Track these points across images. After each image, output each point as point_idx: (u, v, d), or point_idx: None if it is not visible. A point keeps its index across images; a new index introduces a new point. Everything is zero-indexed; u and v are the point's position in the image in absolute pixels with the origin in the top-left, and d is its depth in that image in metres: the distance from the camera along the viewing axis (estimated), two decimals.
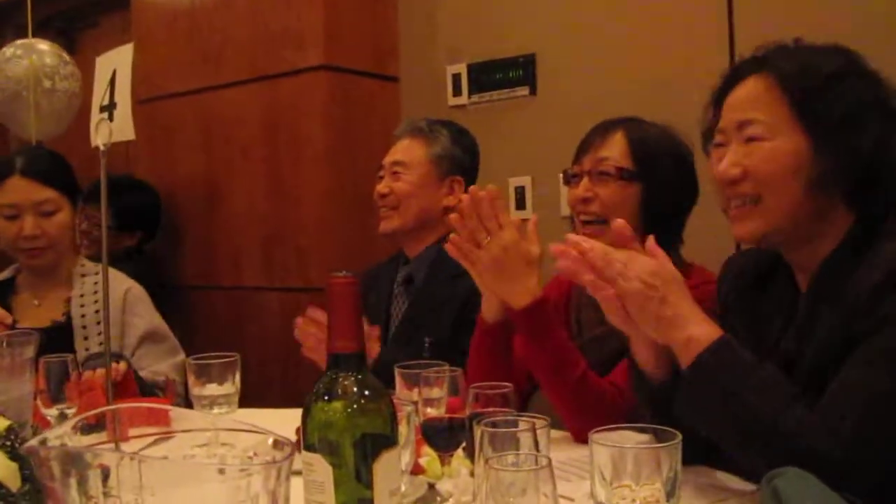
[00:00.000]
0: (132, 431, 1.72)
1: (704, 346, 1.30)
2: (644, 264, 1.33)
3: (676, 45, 2.82)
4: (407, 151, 2.35)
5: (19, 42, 3.33)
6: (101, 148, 1.20)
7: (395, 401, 1.44)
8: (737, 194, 1.41)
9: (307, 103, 3.28)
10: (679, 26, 2.83)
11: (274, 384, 3.17)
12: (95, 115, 1.04)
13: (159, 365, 2.26)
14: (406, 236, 2.33)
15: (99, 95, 1.04)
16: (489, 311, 1.82)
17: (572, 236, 1.41)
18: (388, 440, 0.93)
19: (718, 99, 1.49)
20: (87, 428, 1.66)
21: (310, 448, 0.92)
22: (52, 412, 1.65)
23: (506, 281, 1.71)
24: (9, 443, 1.02)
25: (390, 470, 0.93)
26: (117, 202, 3.30)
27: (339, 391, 0.92)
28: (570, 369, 1.68)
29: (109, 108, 1.04)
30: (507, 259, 1.70)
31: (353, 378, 0.92)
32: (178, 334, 2.55)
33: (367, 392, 0.92)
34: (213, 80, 3.54)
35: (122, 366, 1.94)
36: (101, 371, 1.85)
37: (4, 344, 1.41)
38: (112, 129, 1.20)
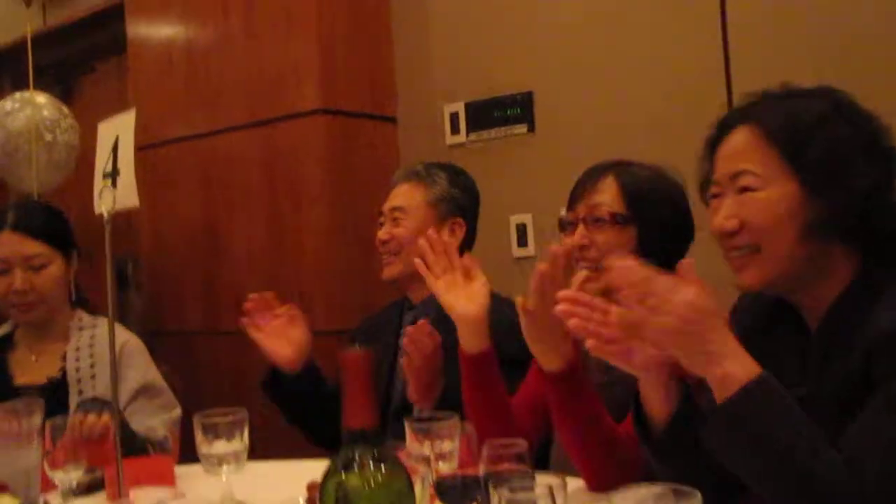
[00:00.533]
0: (135, 492, 1.71)
1: (742, 384, 1.28)
2: (684, 297, 1.30)
3: (674, 81, 2.83)
4: (405, 196, 2.35)
5: (18, 95, 3.34)
6: (105, 216, 1.19)
7: (404, 456, 1.44)
8: (735, 245, 1.42)
9: (305, 146, 3.28)
10: (677, 63, 2.83)
11: (277, 430, 3.15)
12: (98, 182, 1.04)
13: (152, 420, 2.25)
14: (409, 282, 2.32)
15: (102, 161, 1.04)
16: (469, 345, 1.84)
17: (570, 294, 1.41)
18: None
19: (711, 149, 1.50)
20: (85, 488, 1.65)
21: None
22: (58, 475, 1.63)
23: (547, 341, 1.68)
24: None
25: None
26: None
27: (356, 468, 0.90)
28: (600, 422, 1.67)
29: (113, 175, 1.04)
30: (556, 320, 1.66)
31: (369, 454, 0.90)
32: (179, 381, 2.54)
33: (384, 468, 0.90)
34: (212, 126, 3.54)
35: (105, 417, 1.89)
36: (76, 420, 1.82)
37: (9, 413, 1.39)
38: (116, 196, 1.19)
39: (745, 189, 1.40)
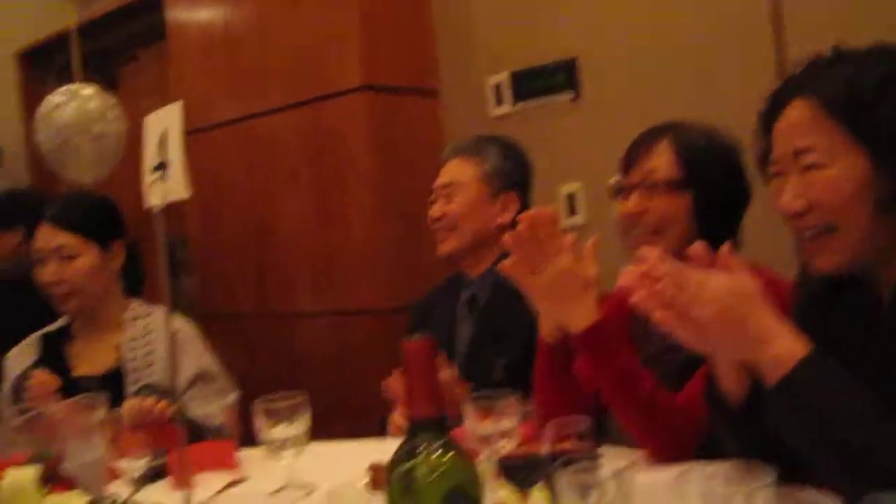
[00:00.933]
0: (199, 477, 1.72)
1: (791, 365, 1.24)
2: (719, 284, 1.27)
3: (722, 41, 2.76)
4: (456, 172, 2.32)
5: (65, 88, 3.37)
6: (157, 209, 1.19)
7: (462, 435, 1.42)
8: (806, 226, 1.34)
9: (349, 124, 3.26)
10: (724, 22, 2.76)
11: (330, 410, 3.16)
12: (148, 176, 1.03)
13: (209, 406, 2.25)
14: (464, 257, 2.30)
15: (151, 155, 1.04)
16: (548, 332, 1.78)
17: (635, 269, 1.35)
18: (475, 503, 0.90)
19: (766, 124, 1.41)
20: (150, 476, 1.66)
21: None
22: (123, 464, 1.65)
23: (563, 305, 1.67)
24: None
25: None
26: None
27: (422, 457, 0.89)
28: (638, 388, 1.63)
29: (162, 167, 1.04)
30: (563, 284, 1.66)
31: (435, 443, 0.89)
32: (231, 364, 2.55)
33: (450, 456, 0.89)
34: (255, 108, 3.55)
35: (162, 403, 1.91)
36: (129, 406, 1.85)
37: (73, 408, 1.41)
38: (166, 189, 1.18)
39: (809, 167, 1.32)
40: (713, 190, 1.79)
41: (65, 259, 2.26)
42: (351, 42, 3.25)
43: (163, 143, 1.18)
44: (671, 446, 1.59)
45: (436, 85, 3.45)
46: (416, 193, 2.45)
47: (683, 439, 1.58)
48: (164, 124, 1.17)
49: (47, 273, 2.26)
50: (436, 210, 2.32)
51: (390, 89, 3.30)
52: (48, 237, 2.27)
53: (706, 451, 1.48)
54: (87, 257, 2.28)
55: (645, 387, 1.63)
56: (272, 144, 3.51)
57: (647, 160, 1.82)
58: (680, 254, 1.67)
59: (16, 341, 2.41)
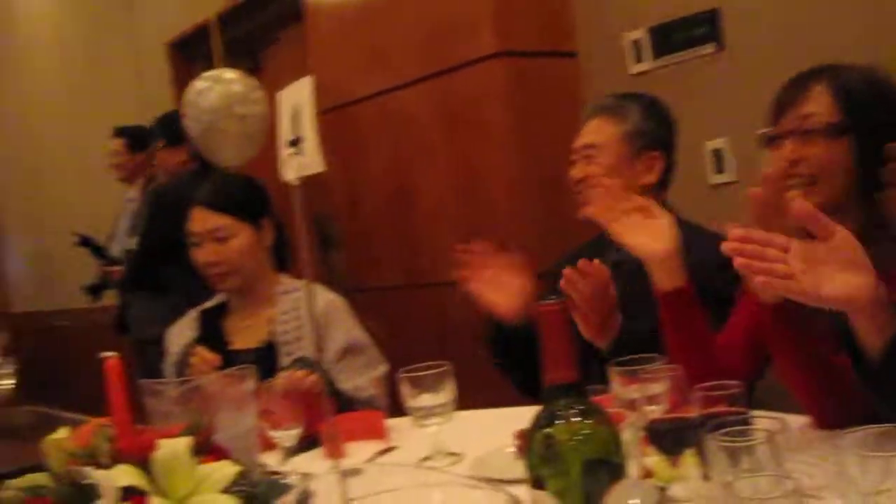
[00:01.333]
0: (349, 447, 1.75)
1: None
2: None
3: None
4: (597, 132, 2.25)
5: (207, 74, 3.48)
6: (293, 183, 1.20)
7: (608, 402, 1.39)
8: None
9: (486, 93, 3.25)
10: None
11: (477, 379, 3.17)
12: (283, 151, 1.05)
13: (359, 378, 2.29)
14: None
15: (284, 130, 1.05)
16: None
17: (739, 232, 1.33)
18: (617, 468, 0.87)
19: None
20: (302, 446, 1.71)
21: (536, 484, 0.87)
22: (276, 434, 1.70)
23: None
24: (242, 488, 1.03)
25: (622, 499, 0.87)
26: None
27: (561, 422, 0.86)
28: (825, 355, 1.56)
29: (297, 142, 1.04)
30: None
31: (573, 408, 0.86)
32: (378, 336, 2.58)
33: (590, 420, 0.86)
34: (391, 81, 3.58)
35: (313, 377, 1.94)
36: (281, 378, 1.89)
37: (225, 379, 1.45)
38: (301, 163, 1.20)
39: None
40: (876, 135, 1.66)
41: (221, 240, 2.34)
42: (484, 8, 3.22)
43: (296, 117, 1.19)
44: (845, 411, 1.50)
45: (573, 46, 3.38)
46: (557, 157, 2.40)
47: (854, 403, 1.50)
48: (297, 99, 1.18)
49: (205, 254, 2.35)
50: (577, 171, 2.26)
51: (526, 54, 3.26)
52: (203, 220, 2.35)
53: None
54: (242, 237, 2.36)
55: (829, 356, 1.55)
56: (410, 117, 3.54)
57: (801, 105, 1.70)
58: (838, 207, 1.58)
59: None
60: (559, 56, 3.35)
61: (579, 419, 0.86)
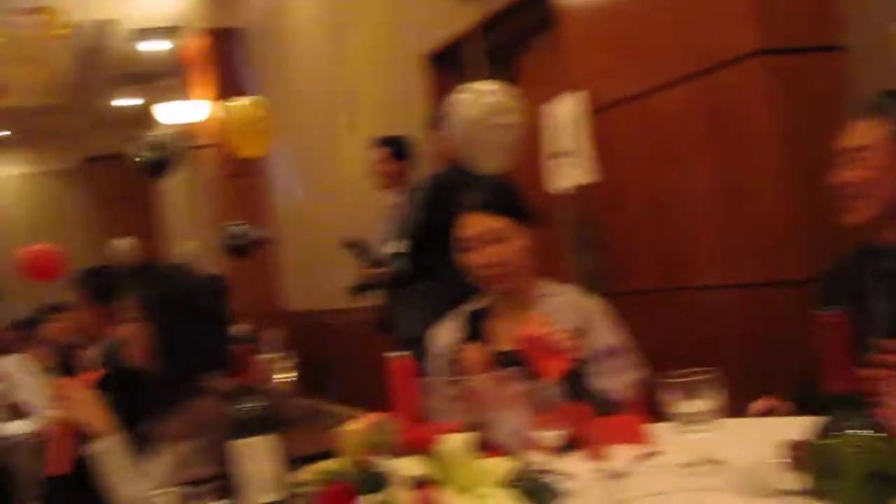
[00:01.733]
0: (610, 450, 1.77)
1: None
2: None
3: None
4: (864, 134, 2.13)
5: (469, 86, 3.64)
6: (566, 193, 1.25)
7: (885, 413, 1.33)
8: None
9: (747, 91, 3.16)
10: None
11: (737, 386, 3.09)
12: (551, 161, 1.09)
13: (617, 381, 2.29)
14: (878, 226, 2.12)
15: (554, 141, 1.09)
16: None
17: None
18: None
19: None
20: (565, 447, 1.75)
21: (815, 495, 0.86)
22: (540, 435, 1.75)
23: None
24: (522, 483, 1.09)
25: None
26: None
27: (845, 435, 0.85)
28: None
29: (566, 153, 1.08)
30: None
31: (856, 420, 0.85)
32: (637, 340, 2.58)
33: (873, 432, 0.85)
34: (648, 84, 3.55)
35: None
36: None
37: (499, 380, 1.53)
38: (572, 174, 1.24)
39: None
40: None
41: (496, 243, 2.44)
42: (743, 4, 3.14)
43: (566, 129, 1.24)
44: None
45: (840, 40, 3.21)
46: (825, 157, 2.31)
47: None
48: (567, 111, 1.23)
49: (482, 256, 2.44)
50: (840, 176, 2.16)
51: (789, 50, 3.14)
52: (479, 224, 2.45)
53: None
54: (517, 239, 2.45)
55: None
56: (666, 118, 3.50)
57: None
58: None
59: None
60: (825, 51, 3.20)
61: (862, 431, 0.85)
